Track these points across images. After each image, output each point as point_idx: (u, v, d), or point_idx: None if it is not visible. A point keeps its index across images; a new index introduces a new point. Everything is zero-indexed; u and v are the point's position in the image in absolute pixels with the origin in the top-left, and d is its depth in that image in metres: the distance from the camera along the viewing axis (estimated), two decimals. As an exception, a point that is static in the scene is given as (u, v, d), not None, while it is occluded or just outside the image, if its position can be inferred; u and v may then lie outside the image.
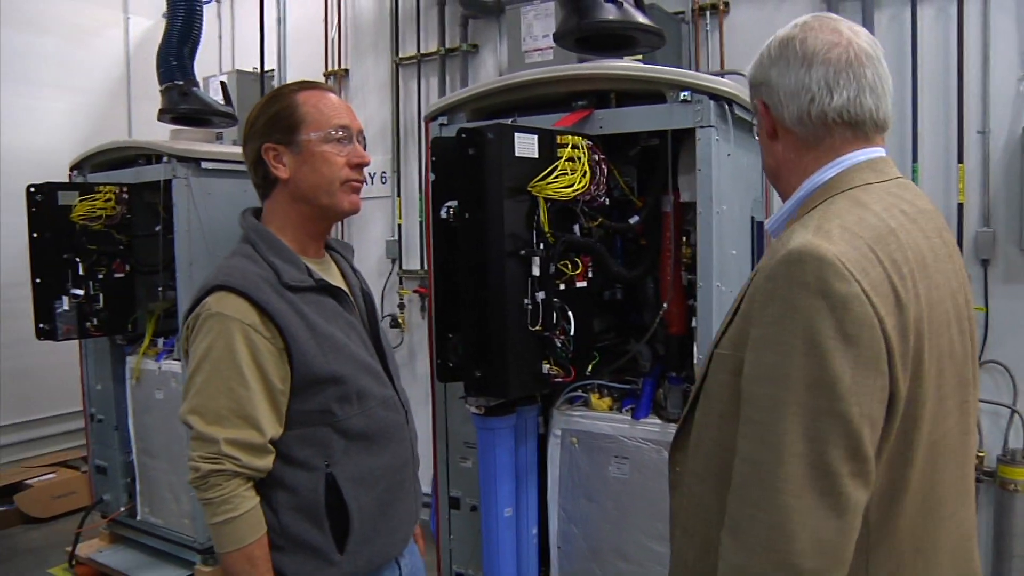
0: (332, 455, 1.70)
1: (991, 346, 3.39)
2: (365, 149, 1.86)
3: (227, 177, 3.94)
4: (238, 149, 4.15)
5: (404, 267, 4.95)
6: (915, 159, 3.52)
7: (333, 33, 5.17)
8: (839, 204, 1.26)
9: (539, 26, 3.84)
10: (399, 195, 4.94)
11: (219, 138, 4.72)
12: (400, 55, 4.87)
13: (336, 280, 1.88)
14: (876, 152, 1.34)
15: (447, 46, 4.63)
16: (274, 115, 1.75)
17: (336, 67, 5.18)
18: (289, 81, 2.08)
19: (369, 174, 5.08)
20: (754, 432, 1.17)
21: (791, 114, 1.34)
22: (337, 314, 1.78)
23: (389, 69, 4.92)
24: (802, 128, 1.34)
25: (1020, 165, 3.31)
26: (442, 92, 4.64)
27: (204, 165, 3.81)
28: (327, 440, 1.70)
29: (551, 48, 3.80)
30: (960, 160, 3.44)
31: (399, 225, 4.95)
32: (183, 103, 4.05)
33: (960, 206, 3.46)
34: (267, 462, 1.64)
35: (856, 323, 1.11)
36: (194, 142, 4.04)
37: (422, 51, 4.76)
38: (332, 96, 1.81)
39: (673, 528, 1.50)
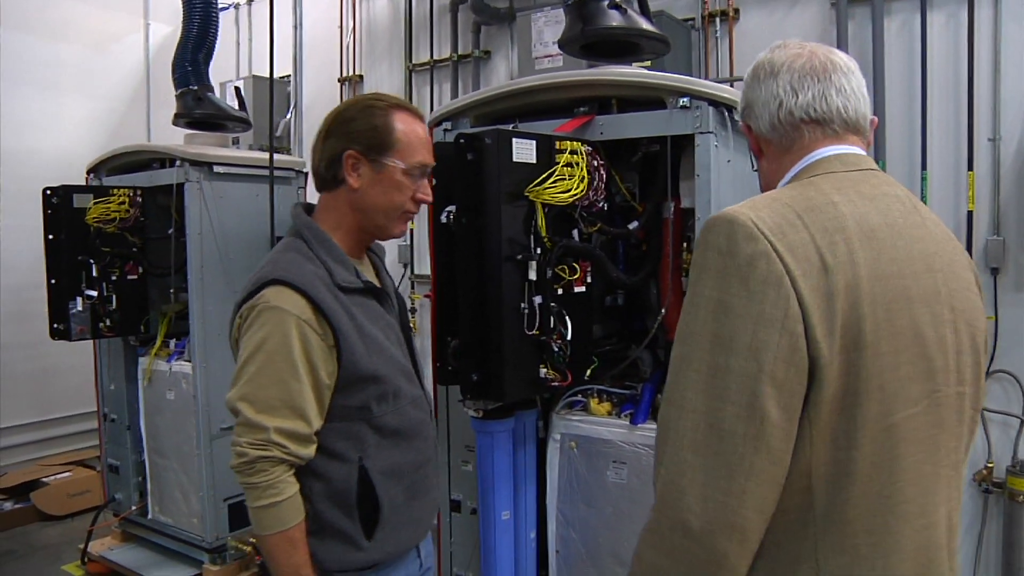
0: (365, 448, 1.79)
1: (1000, 355, 3.36)
2: (432, 184, 1.92)
3: (239, 181, 3.99)
4: (251, 153, 4.27)
5: (416, 272, 4.98)
6: (924, 167, 3.50)
7: (348, 39, 5.22)
8: (788, 187, 1.30)
9: (549, 32, 3.86)
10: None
11: (235, 143, 4.78)
12: (414, 61, 4.91)
13: (374, 279, 1.96)
14: (848, 149, 1.35)
15: (460, 52, 4.66)
16: (371, 128, 1.79)
17: (351, 73, 5.24)
18: (359, 93, 2.11)
19: (382, 179, 5.12)
20: (667, 392, 1.21)
21: (765, 123, 1.39)
22: (379, 315, 1.86)
23: (403, 75, 4.96)
24: (775, 134, 1.38)
25: (1030, 173, 3.28)
26: (455, 98, 4.67)
27: (217, 169, 3.87)
28: (362, 434, 1.79)
29: (561, 55, 3.82)
30: (970, 168, 3.41)
31: (411, 230, 4.97)
32: (198, 108, 4.10)
33: (970, 214, 3.43)
34: (311, 451, 1.72)
35: (761, 281, 1.13)
36: (207, 146, 4.10)
37: (435, 57, 4.80)
38: (422, 128, 1.87)
39: None
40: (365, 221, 1.85)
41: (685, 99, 2.34)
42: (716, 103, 2.36)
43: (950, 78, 3.47)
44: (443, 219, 2.36)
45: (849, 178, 1.30)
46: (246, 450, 1.65)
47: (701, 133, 2.35)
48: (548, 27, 3.87)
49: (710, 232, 1.19)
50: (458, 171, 2.18)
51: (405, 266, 5.00)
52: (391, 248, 5.10)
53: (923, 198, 3.51)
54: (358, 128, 1.79)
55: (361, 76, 5.22)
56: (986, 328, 1.36)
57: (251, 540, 3.98)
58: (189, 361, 3.92)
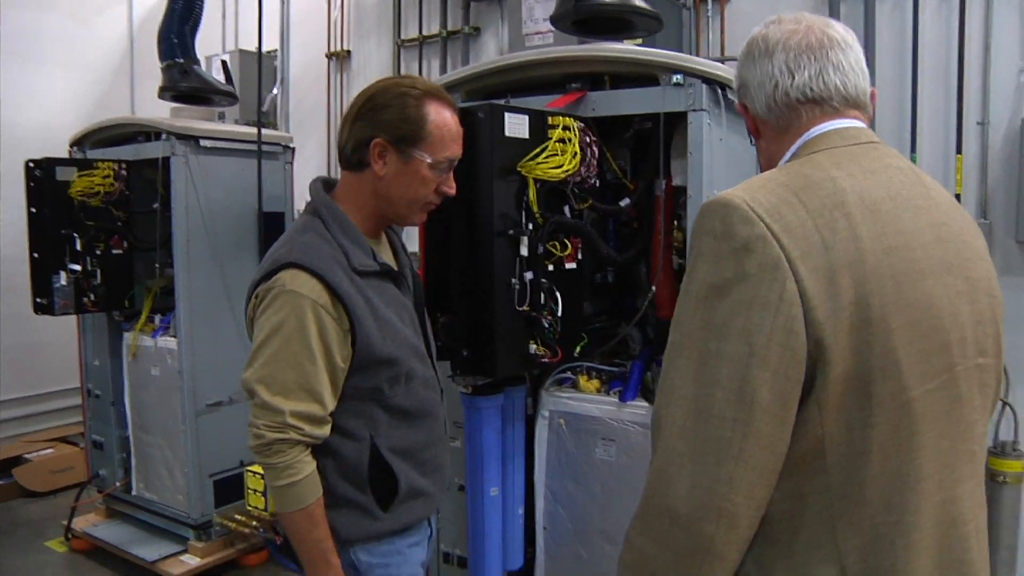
0: (377, 428, 1.82)
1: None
2: (455, 177, 1.90)
3: (226, 156, 3.95)
4: (238, 128, 4.22)
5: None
6: (913, 149, 3.51)
7: (336, 14, 5.16)
8: (785, 166, 1.26)
9: (540, 9, 3.83)
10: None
11: (220, 117, 4.73)
12: (402, 37, 4.86)
13: (391, 260, 1.95)
14: (848, 122, 1.32)
15: (449, 29, 4.62)
16: (402, 117, 1.76)
17: (339, 48, 5.18)
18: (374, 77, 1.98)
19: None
20: (661, 380, 1.19)
21: (761, 104, 1.35)
22: (395, 298, 1.87)
23: (391, 51, 4.92)
24: (772, 115, 1.35)
25: (1019, 157, 3.29)
26: (443, 74, 4.64)
27: (203, 143, 3.83)
28: (373, 414, 1.82)
29: (551, 32, 3.79)
30: (959, 151, 3.43)
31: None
32: (184, 81, 4.05)
33: (957, 197, 3.44)
34: (326, 431, 1.76)
35: (757, 264, 1.10)
36: (194, 120, 4.05)
37: (424, 33, 4.76)
38: (454, 120, 1.84)
39: None
40: (386, 208, 1.85)
41: (679, 76, 2.33)
42: (710, 81, 2.35)
43: (941, 61, 3.48)
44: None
45: (849, 152, 1.26)
46: (263, 432, 1.69)
47: (694, 111, 2.33)
48: (539, 4, 3.84)
49: (705, 216, 1.17)
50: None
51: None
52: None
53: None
54: (389, 117, 1.76)
55: (349, 51, 5.16)
56: (1002, 297, 1.32)
57: (237, 516, 3.97)
58: (174, 336, 3.89)
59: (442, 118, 1.79)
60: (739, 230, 1.12)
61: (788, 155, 1.32)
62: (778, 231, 1.11)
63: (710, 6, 3.94)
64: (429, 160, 1.78)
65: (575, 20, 2.75)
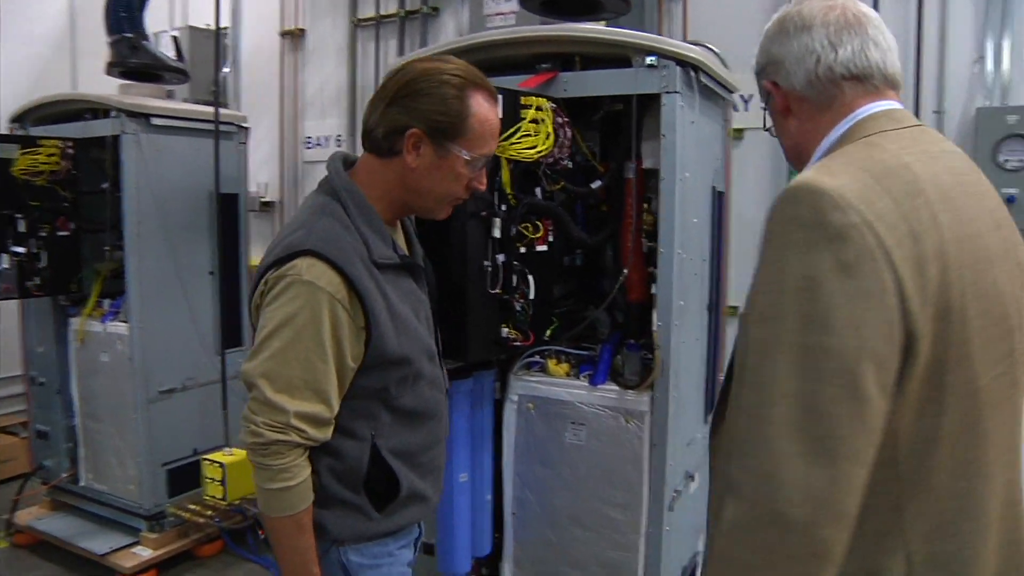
0: (379, 428, 1.72)
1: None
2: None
3: (179, 135, 3.83)
4: (192, 106, 4.09)
5: None
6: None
7: (290, -9, 5.04)
8: (849, 151, 1.23)
9: (503, -10, 3.78)
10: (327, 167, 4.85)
11: (169, 96, 4.58)
12: (359, 16, 4.76)
13: (406, 249, 1.84)
14: (893, 104, 1.31)
15: (407, 8, 4.54)
16: (442, 109, 1.62)
17: (293, 27, 5.05)
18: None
19: (324, 137, 4.99)
20: (749, 378, 1.12)
21: (800, 79, 1.32)
22: (411, 292, 1.76)
23: (347, 30, 4.81)
24: (812, 91, 1.32)
25: (973, 144, 3.35)
26: (400, 55, 4.56)
27: (155, 121, 3.70)
28: (376, 413, 1.71)
29: (513, 13, 3.75)
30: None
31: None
32: (133, 57, 3.91)
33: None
34: (328, 434, 1.64)
35: (855, 253, 1.06)
36: (144, 97, 3.91)
37: (381, 12, 4.66)
38: (495, 115, 1.72)
39: (709, 516, 1.42)
40: (412, 200, 1.73)
41: (652, 58, 2.31)
42: (683, 63, 2.34)
43: (899, 49, 3.51)
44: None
45: (907, 136, 1.24)
46: (263, 431, 1.56)
47: (668, 93, 2.32)
48: (502, -16, 3.79)
49: (789, 203, 1.11)
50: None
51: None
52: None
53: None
54: (429, 107, 1.62)
55: (303, 30, 5.04)
56: None
57: (191, 506, 3.88)
58: (125, 322, 3.76)
59: (484, 112, 1.66)
60: (833, 217, 1.07)
61: (835, 135, 1.30)
62: (872, 219, 1.07)
63: (673, -10, 3.94)
64: (467, 156, 1.66)
65: (544, 1, 2.72)
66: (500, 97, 1.74)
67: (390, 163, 1.68)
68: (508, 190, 2.19)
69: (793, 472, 1.05)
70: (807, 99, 1.33)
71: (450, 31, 4.46)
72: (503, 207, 2.17)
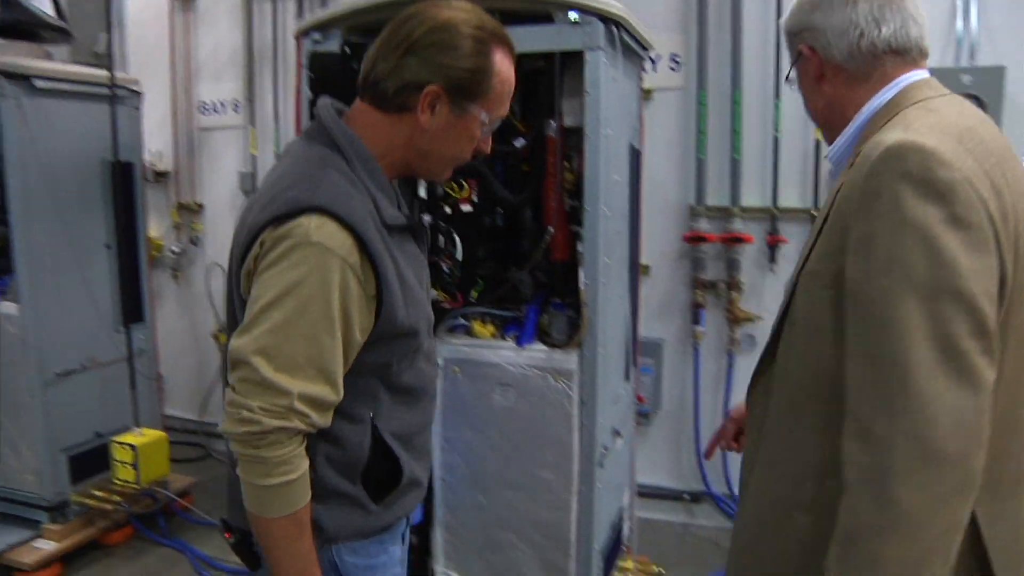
0: (378, 408, 1.53)
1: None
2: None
3: (66, 99, 3.59)
4: (79, 68, 3.82)
5: None
6: (777, 96, 3.66)
7: (178, -52, 4.76)
8: (912, 113, 1.29)
9: (408, -54, 3.66)
10: (253, 125, 4.66)
11: (48, 58, 4.28)
12: (254, -25, 4.56)
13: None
14: (926, 73, 1.40)
15: (307, -33, 4.37)
16: (468, 66, 1.45)
17: (182, -15, 4.80)
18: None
19: (220, 103, 4.78)
20: (873, 328, 1.17)
21: (841, 51, 1.39)
22: (415, 256, 1.59)
23: (241, -11, 4.60)
24: (853, 63, 1.39)
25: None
26: (299, 15, 4.39)
27: (38, 84, 3.45)
28: (375, 392, 1.52)
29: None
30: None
31: (253, 156, 4.69)
32: (6, 12, 3.61)
33: (817, 143, 3.62)
34: (329, 420, 1.43)
35: (965, 206, 1.14)
36: (22, 57, 3.63)
37: (279, -29, 4.48)
38: (513, 75, 1.56)
39: (751, 464, 1.48)
40: (417, 161, 1.55)
41: (575, 13, 2.28)
42: (606, 19, 2.32)
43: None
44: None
45: (956, 102, 1.33)
46: (260, 418, 1.32)
47: (591, 50, 2.30)
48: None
49: (895, 159, 1.16)
50: (342, 82, 2.03)
51: (247, 194, 4.71)
52: (230, 176, 4.80)
53: (776, 127, 3.66)
54: (452, 62, 1.44)
55: (194, -12, 4.79)
56: None
57: (96, 492, 3.69)
58: (14, 302, 3.53)
59: (507, 70, 1.52)
60: (940, 173, 1.14)
61: (879, 101, 1.38)
62: (969, 174, 1.16)
63: (580, -52, 3.90)
64: (485, 118, 1.51)
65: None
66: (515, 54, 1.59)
67: (398, 120, 1.49)
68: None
69: (943, 408, 1.11)
70: (846, 69, 1.40)
71: (354, -11, 4.31)
72: (428, 166, 2.11)
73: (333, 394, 1.40)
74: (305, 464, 1.40)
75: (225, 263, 4.56)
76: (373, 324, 1.44)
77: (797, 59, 1.47)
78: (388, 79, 1.47)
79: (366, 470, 1.52)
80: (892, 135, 1.20)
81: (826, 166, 3.55)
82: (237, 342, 1.36)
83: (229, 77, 4.71)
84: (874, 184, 1.18)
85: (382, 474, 1.54)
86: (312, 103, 2.25)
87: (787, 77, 1.54)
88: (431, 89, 1.45)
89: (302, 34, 2.57)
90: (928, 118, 1.26)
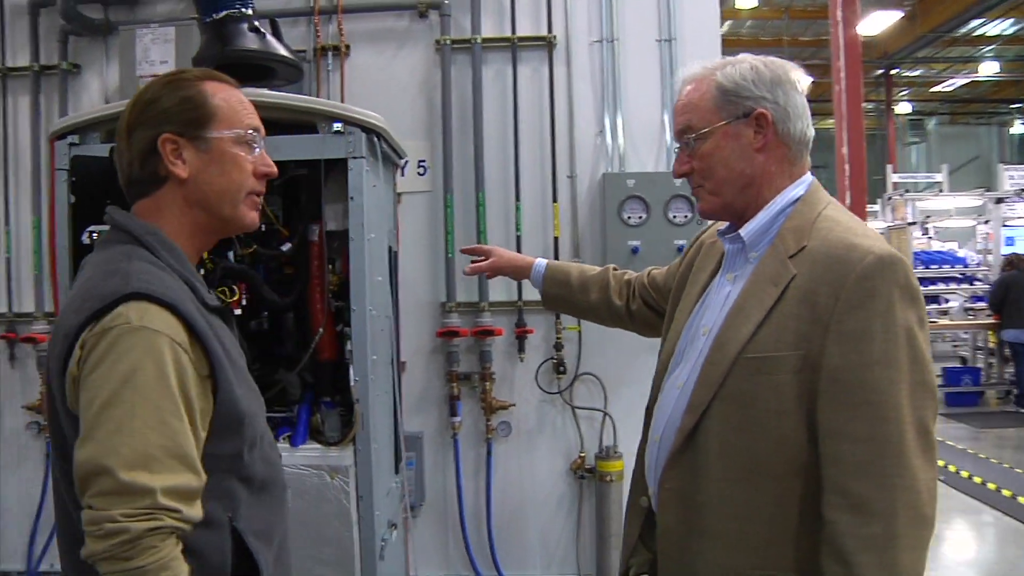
0: (236, 507, 1.42)
1: (584, 360, 3.95)
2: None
3: None
4: None
5: (15, 309, 4.26)
6: (518, 198, 3.98)
7: None
8: (843, 214, 1.52)
9: (157, 51, 3.65)
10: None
11: None
12: (-24, 67, 4.24)
13: None
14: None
15: (42, 63, 4.15)
16: (180, 102, 1.44)
17: None
18: None
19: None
20: (872, 413, 1.35)
21: (796, 131, 1.52)
22: (233, 340, 1.52)
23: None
24: (796, 146, 1.54)
25: (601, 204, 3.89)
26: (35, 113, 4.15)
27: None
28: (231, 490, 1.41)
29: (170, 74, 3.64)
30: (555, 200, 3.97)
31: (7, 258, 4.25)
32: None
33: (556, 240, 3.98)
34: (199, 511, 1.31)
35: (924, 311, 1.41)
36: None
37: (9, 65, 4.20)
38: (238, 93, 1.54)
39: (683, 537, 1.52)
40: (208, 217, 1.50)
41: (338, 124, 2.43)
42: (367, 129, 2.49)
43: (536, 122, 4.00)
44: (85, 239, 2.16)
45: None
46: (125, 525, 1.20)
47: (354, 158, 2.46)
48: (156, 44, 3.66)
49: (888, 269, 1.38)
50: (111, 186, 2.00)
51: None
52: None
53: (517, 226, 3.99)
54: (166, 107, 1.45)
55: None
56: None
57: None
58: None
59: (223, 91, 1.51)
60: (914, 283, 1.40)
61: (796, 191, 1.54)
62: None
63: (331, 60, 4.08)
64: (229, 135, 1.47)
65: (220, 64, 2.71)
66: (239, 85, 1.60)
67: (165, 195, 1.47)
68: (204, 254, 2.16)
69: (924, 481, 1.34)
70: (788, 148, 1.53)
71: (94, 90, 4.12)
72: (200, 271, 2.13)
73: (196, 480, 1.31)
74: (185, 569, 1.28)
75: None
76: (212, 408, 1.38)
77: (739, 119, 1.51)
78: (132, 164, 1.47)
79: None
80: (870, 243, 1.41)
81: (565, 259, 3.94)
82: (81, 454, 1.26)
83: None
84: (868, 286, 1.37)
85: None
86: (74, 207, 2.18)
87: (681, 133, 1.57)
88: (164, 138, 1.44)
89: (58, 137, 2.49)
90: (860, 223, 1.52)
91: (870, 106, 20.22)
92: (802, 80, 1.55)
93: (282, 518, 1.58)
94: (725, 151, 1.52)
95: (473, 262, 2.21)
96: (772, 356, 1.41)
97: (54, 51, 4.13)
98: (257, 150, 1.53)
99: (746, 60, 1.55)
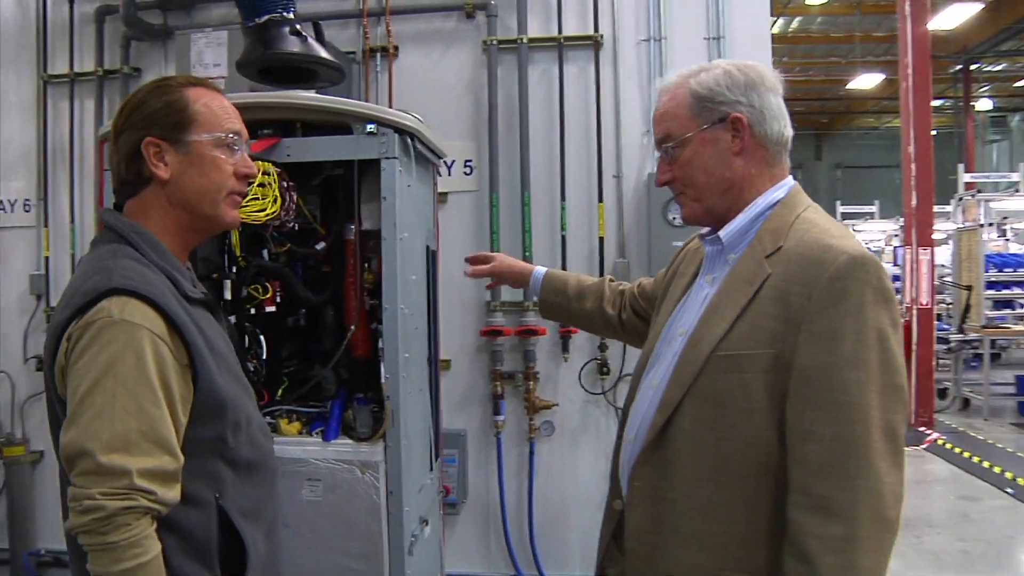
0: (222, 487, 1.53)
1: (628, 361, 3.92)
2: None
3: None
4: None
5: (53, 304, 4.49)
6: (563, 198, 3.99)
7: (-39, 39, 4.58)
8: (821, 217, 1.51)
9: (211, 54, 3.76)
10: (46, 225, 4.48)
11: None
12: (49, 72, 4.45)
13: None
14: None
15: (106, 67, 4.33)
16: (163, 107, 1.55)
17: (-35, 79, 4.59)
18: None
19: (10, 202, 4.57)
20: (839, 414, 1.34)
21: (773, 133, 1.53)
22: (219, 331, 1.63)
23: (34, 86, 4.47)
24: (774, 147, 1.54)
25: (647, 205, 3.88)
26: (99, 115, 4.32)
27: None
28: (216, 471, 1.53)
29: (223, 77, 3.75)
30: (600, 200, 3.96)
31: (47, 258, 4.48)
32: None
33: (601, 240, 3.97)
34: (177, 493, 1.43)
35: (898, 313, 1.40)
36: None
37: (76, 70, 4.40)
38: (225, 99, 1.64)
39: (651, 535, 1.53)
40: (190, 216, 1.60)
41: (371, 125, 2.47)
42: (400, 130, 2.52)
43: (582, 122, 4.00)
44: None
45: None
46: (102, 503, 1.33)
47: (387, 158, 2.49)
48: (209, 48, 3.77)
49: (861, 269, 1.36)
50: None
51: (39, 297, 4.49)
52: (20, 278, 4.56)
53: (562, 226, 3.99)
54: (150, 111, 1.56)
55: (-21, 83, 4.60)
56: None
57: None
58: None
59: (207, 96, 1.61)
60: (888, 285, 1.38)
61: (775, 195, 1.53)
62: None
63: (379, 62, 4.15)
64: (209, 138, 1.57)
65: (261, 68, 2.79)
66: (223, 92, 1.69)
67: (149, 195, 1.58)
68: (238, 252, 2.23)
69: (890, 484, 1.33)
70: (766, 149, 1.53)
71: (153, 92, 4.29)
72: (233, 269, 2.20)
73: (173, 462, 1.42)
74: (157, 547, 1.39)
75: (13, 370, 4.31)
76: (193, 394, 1.48)
77: (715, 124, 1.52)
78: (120, 166, 1.58)
79: (220, 554, 1.51)
80: (844, 243, 1.40)
81: (607, 261, 3.93)
82: (66, 437, 1.38)
83: (19, 175, 4.53)
84: (840, 286, 1.36)
85: (233, 557, 1.53)
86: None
87: (660, 143, 1.59)
88: (147, 141, 1.54)
89: (104, 140, 2.59)
90: (838, 226, 1.49)
91: (947, 103, 19.57)
92: (779, 83, 1.55)
93: (272, 498, 1.68)
94: (704, 157, 1.53)
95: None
96: (744, 354, 1.42)
97: (117, 56, 4.30)
98: (238, 153, 1.62)
99: (720, 66, 1.55)
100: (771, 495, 1.41)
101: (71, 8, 4.39)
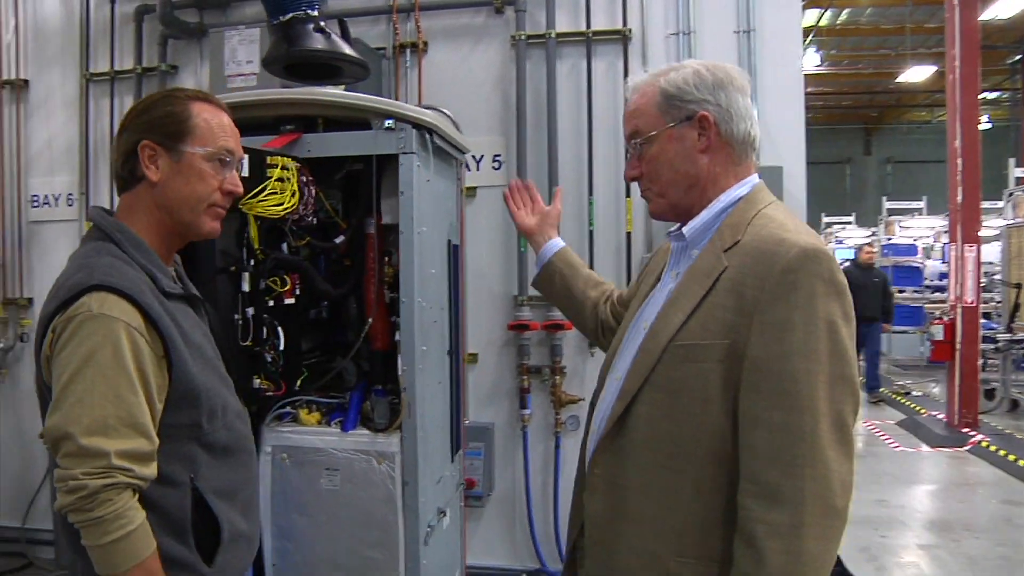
0: (197, 469, 1.66)
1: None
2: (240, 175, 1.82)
3: None
4: None
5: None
6: (591, 193, 3.99)
7: (9, 38, 4.73)
8: (780, 213, 1.53)
9: (243, 51, 3.84)
10: (88, 219, 4.61)
11: None
12: (91, 70, 4.58)
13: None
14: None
15: (144, 65, 4.44)
16: (165, 115, 1.68)
17: (13, 76, 4.74)
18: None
19: (54, 196, 4.72)
20: (788, 402, 1.36)
21: (739, 132, 1.56)
22: (197, 324, 1.75)
23: (77, 83, 4.61)
24: (740, 147, 1.57)
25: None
26: (138, 111, 4.44)
27: None
28: (192, 454, 1.66)
29: (255, 74, 3.82)
30: (628, 195, 3.95)
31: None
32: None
33: (628, 235, 3.96)
34: (154, 469, 1.56)
35: (851, 306, 1.41)
36: None
37: (116, 68, 4.53)
38: (225, 118, 1.76)
39: (608, 522, 1.56)
40: (171, 219, 1.72)
41: (390, 121, 2.50)
42: (418, 126, 2.55)
43: (611, 117, 4.00)
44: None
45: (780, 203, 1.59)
46: (85, 482, 1.46)
47: (405, 153, 2.52)
48: (243, 46, 3.85)
49: (813, 262, 1.39)
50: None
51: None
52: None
53: (590, 221, 3.99)
54: (153, 117, 1.69)
55: (27, 81, 4.74)
56: None
57: None
58: None
59: (208, 112, 1.73)
60: (839, 278, 1.40)
61: (739, 192, 1.57)
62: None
63: (408, 57, 4.19)
64: (201, 152, 1.69)
65: (287, 64, 2.84)
66: (228, 110, 1.81)
67: (139, 191, 1.70)
68: (256, 245, 2.28)
69: (838, 473, 1.35)
70: (733, 148, 1.57)
71: (190, 89, 4.40)
72: (251, 262, 2.25)
73: (148, 444, 1.54)
74: (141, 515, 1.52)
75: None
76: (168, 383, 1.60)
77: (682, 122, 1.55)
78: (118, 161, 1.71)
79: (193, 530, 1.64)
80: (799, 237, 1.42)
81: (635, 256, 3.92)
82: (50, 421, 1.51)
83: (63, 170, 4.67)
84: (791, 279, 1.39)
85: (206, 533, 1.66)
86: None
87: (629, 138, 1.62)
88: (144, 144, 1.66)
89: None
90: (797, 221, 1.51)
91: (1004, 95, 19.05)
92: (747, 84, 1.59)
93: (248, 479, 1.81)
94: (670, 153, 1.57)
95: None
96: (699, 344, 1.45)
97: (155, 54, 4.41)
98: (228, 170, 1.75)
99: (690, 65, 1.58)
100: (725, 483, 1.43)
101: (112, 8, 4.52)
